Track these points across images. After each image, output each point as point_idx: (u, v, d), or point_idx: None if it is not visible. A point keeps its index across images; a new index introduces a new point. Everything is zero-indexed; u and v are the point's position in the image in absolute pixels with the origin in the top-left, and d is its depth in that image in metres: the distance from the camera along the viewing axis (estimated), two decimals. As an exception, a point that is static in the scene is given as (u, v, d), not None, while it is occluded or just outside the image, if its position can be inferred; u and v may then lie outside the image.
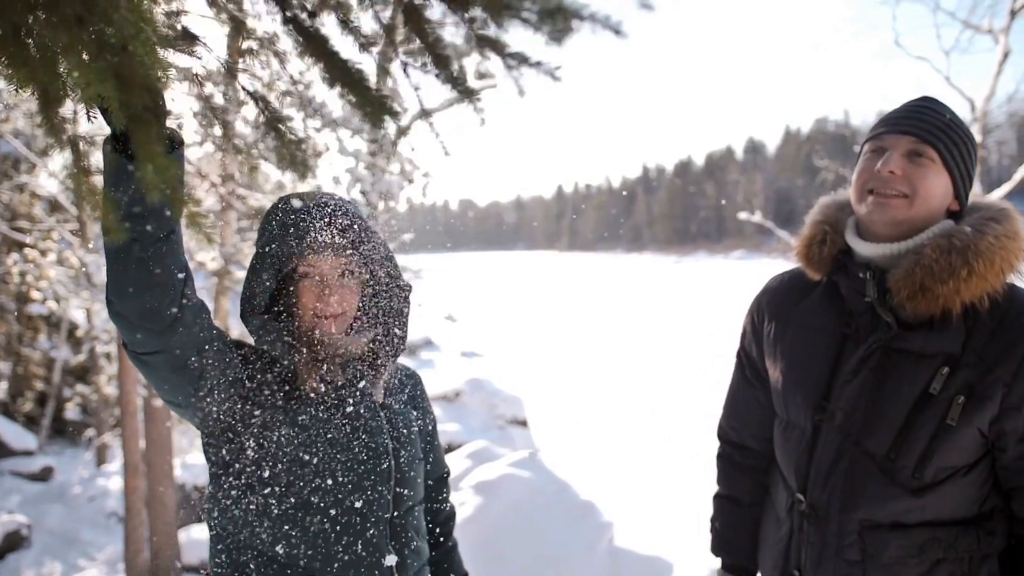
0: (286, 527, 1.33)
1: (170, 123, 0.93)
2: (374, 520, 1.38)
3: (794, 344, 1.60)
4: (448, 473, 1.73)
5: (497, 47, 0.88)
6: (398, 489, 1.43)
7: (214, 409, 1.32)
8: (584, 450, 10.71)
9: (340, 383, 1.41)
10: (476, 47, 0.88)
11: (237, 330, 10.08)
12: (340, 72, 0.94)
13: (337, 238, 1.39)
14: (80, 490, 10.83)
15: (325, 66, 0.95)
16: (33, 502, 10.45)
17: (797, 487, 1.55)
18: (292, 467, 1.33)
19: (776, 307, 1.68)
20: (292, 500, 1.33)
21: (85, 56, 0.74)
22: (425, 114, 1.18)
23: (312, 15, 0.95)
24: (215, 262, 6.96)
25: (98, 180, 1.04)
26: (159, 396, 1.31)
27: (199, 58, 1.19)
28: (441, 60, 0.93)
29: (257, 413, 1.34)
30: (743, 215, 12.79)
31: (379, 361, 1.47)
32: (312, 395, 1.38)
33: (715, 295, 36.14)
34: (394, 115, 0.94)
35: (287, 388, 1.38)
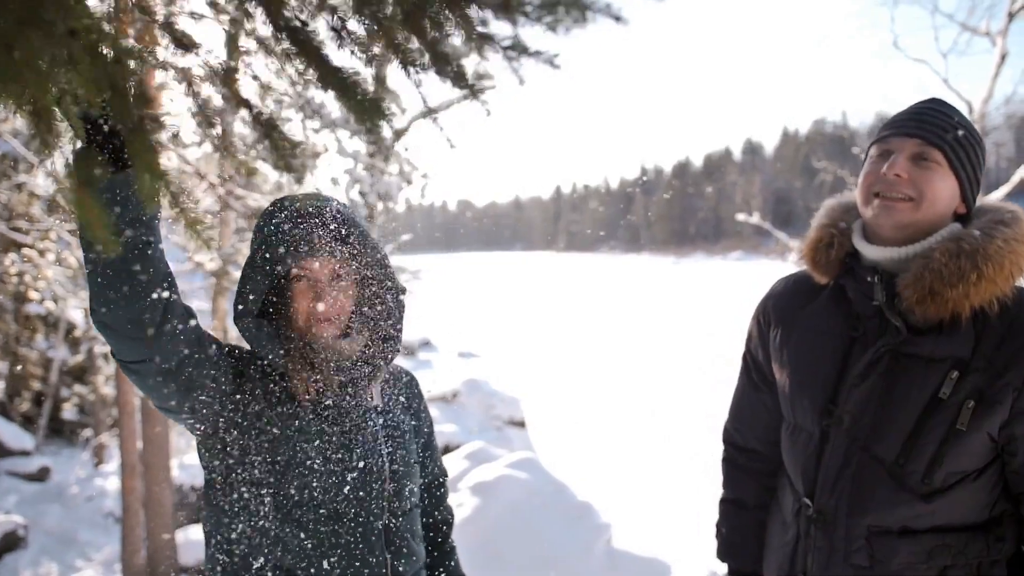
0: (281, 531, 1.33)
1: (166, 131, 0.92)
2: (369, 524, 1.37)
3: (800, 347, 1.59)
4: (446, 475, 1.72)
5: (495, 41, 0.87)
6: (393, 492, 1.42)
7: (207, 414, 1.30)
8: (582, 451, 10.71)
9: (334, 386, 1.40)
10: (476, 47, 0.87)
11: (235, 331, 10.06)
12: (332, 77, 0.92)
13: (331, 241, 1.38)
14: (77, 490, 10.79)
15: (317, 71, 0.94)
16: (30, 502, 10.41)
17: (804, 491, 1.54)
18: (286, 471, 1.32)
19: (782, 311, 1.67)
20: (286, 504, 1.33)
21: (78, 68, 0.73)
22: (429, 112, 1.17)
23: (304, 24, 0.94)
24: (213, 263, 6.94)
25: (92, 194, 1.03)
26: (152, 402, 1.30)
27: (197, 56, 1.17)
28: (440, 58, 0.92)
29: (251, 418, 1.33)
30: (741, 216, 12.76)
31: (373, 364, 1.46)
32: (306, 399, 1.37)
33: (714, 296, 36.18)
34: (387, 118, 0.93)
35: (281, 392, 1.37)
